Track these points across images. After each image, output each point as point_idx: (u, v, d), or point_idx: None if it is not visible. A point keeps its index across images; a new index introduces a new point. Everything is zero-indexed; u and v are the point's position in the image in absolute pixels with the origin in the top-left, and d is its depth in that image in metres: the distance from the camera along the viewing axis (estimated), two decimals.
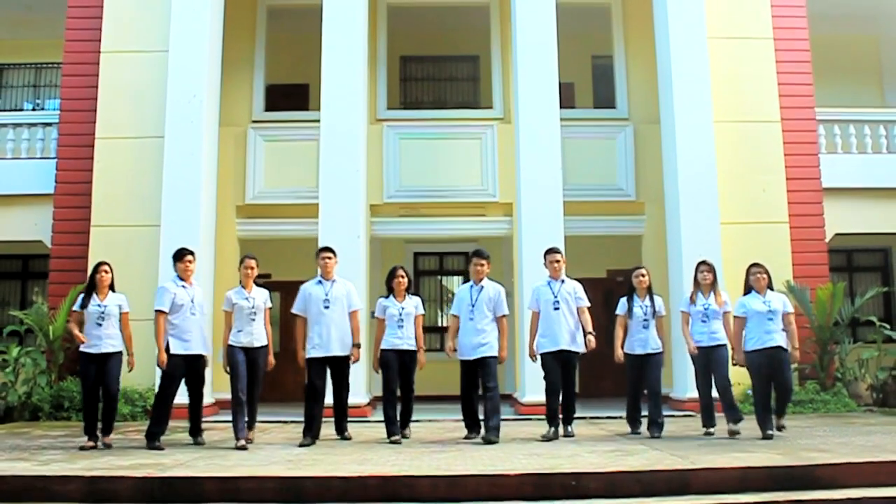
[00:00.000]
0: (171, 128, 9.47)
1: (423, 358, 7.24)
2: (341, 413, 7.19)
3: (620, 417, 8.37)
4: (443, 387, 9.00)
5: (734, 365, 6.98)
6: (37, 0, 11.81)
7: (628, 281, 7.40)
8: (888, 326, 10.24)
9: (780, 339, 6.70)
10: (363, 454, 6.09)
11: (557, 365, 7.02)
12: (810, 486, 5.02)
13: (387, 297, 7.21)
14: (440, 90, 12.92)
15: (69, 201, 9.87)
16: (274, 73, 11.50)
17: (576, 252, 8.81)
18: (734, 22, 10.34)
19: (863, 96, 12.41)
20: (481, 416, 6.91)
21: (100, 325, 6.51)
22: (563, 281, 7.18)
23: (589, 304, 7.18)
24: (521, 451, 6.10)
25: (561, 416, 7.09)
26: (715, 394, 7.02)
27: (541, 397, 7.50)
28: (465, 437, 7.02)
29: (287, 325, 11.17)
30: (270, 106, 11.17)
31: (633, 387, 7.25)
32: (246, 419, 6.62)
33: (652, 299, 7.18)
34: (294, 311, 7.02)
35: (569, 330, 7.00)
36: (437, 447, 6.52)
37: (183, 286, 6.78)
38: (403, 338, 7.08)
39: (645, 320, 7.12)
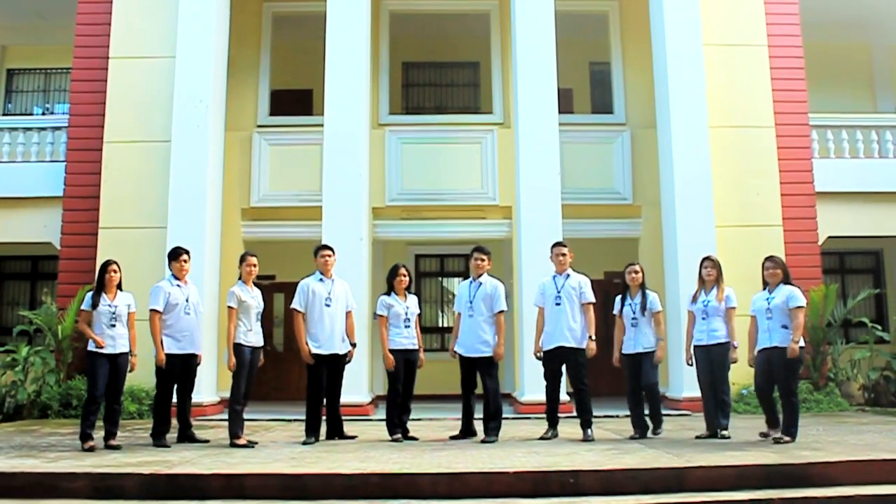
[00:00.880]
0: (178, 132, 9.57)
1: (423, 356, 7.26)
2: (336, 420, 7.09)
3: (617, 416, 8.46)
4: (443, 386, 9.10)
5: (750, 366, 6.69)
6: (49, 8, 11.97)
7: (623, 279, 7.23)
8: (880, 327, 10.37)
9: (776, 339, 6.36)
10: (365, 452, 6.13)
11: (556, 363, 6.96)
12: (804, 483, 5.07)
13: (388, 294, 7.18)
14: (441, 96, 13.06)
15: (77, 204, 9.98)
16: (279, 78, 11.60)
17: (574, 254, 8.96)
18: (729, 29, 10.44)
19: (855, 102, 12.52)
20: (479, 416, 6.91)
21: (113, 325, 6.48)
22: (567, 275, 7.03)
23: (594, 301, 6.99)
24: (520, 450, 6.14)
25: (578, 419, 6.94)
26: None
27: (540, 396, 7.51)
28: (451, 437, 7.00)
29: (291, 325, 11.35)
30: (275, 111, 11.28)
31: (631, 388, 7.00)
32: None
33: (644, 296, 6.96)
34: (295, 306, 6.95)
35: (569, 326, 6.84)
36: (438, 445, 6.57)
37: (178, 285, 6.81)
38: (410, 337, 7.08)
39: (634, 318, 6.95)
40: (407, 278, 7.23)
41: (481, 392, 6.94)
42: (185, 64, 9.72)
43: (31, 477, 5.15)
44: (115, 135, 9.97)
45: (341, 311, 7.05)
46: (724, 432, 6.64)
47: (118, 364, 6.53)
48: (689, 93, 9.80)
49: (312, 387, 6.90)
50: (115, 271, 6.63)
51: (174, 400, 6.82)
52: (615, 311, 7.19)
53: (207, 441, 6.84)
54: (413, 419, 7.44)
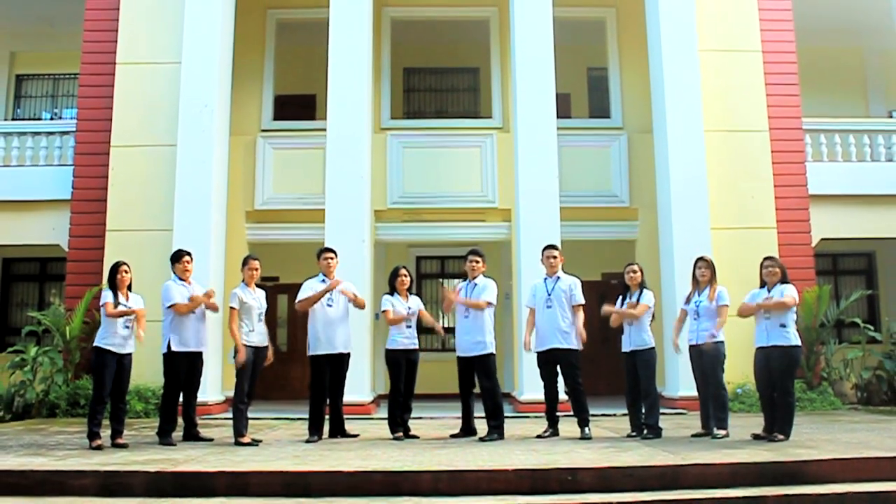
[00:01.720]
0: (184, 136, 9.67)
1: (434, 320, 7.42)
2: (338, 419, 7.17)
3: (615, 415, 8.54)
4: (444, 385, 9.16)
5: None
6: (57, 15, 12.09)
7: (623, 279, 7.23)
8: (872, 328, 10.50)
9: (774, 338, 6.39)
10: (368, 450, 6.19)
11: (550, 365, 7.04)
12: (798, 481, 5.13)
13: (391, 294, 7.26)
14: (441, 100, 13.19)
15: (85, 207, 10.08)
16: (282, 83, 11.71)
17: (572, 256, 8.99)
18: (724, 35, 10.55)
19: (847, 107, 12.64)
20: (479, 415, 6.99)
21: (128, 327, 6.54)
22: (558, 278, 7.10)
23: (584, 302, 7.05)
24: (519, 448, 6.21)
25: (575, 418, 7.00)
26: None
27: (538, 396, 7.60)
28: (452, 435, 7.07)
29: (294, 325, 11.52)
30: (279, 115, 11.39)
31: (629, 387, 6.97)
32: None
33: (640, 295, 6.94)
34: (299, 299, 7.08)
35: (560, 329, 6.92)
36: (439, 443, 6.65)
37: (183, 286, 6.93)
38: (411, 337, 7.18)
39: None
40: (408, 279, 7.33)
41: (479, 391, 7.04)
42: (191, 69, 9.84)
43: (40, 475, 5.21)
44: (122, 139, 10.08)
45: (343, 311, 7.18)
46: (720, 431, 6.63)
47: (123, 364, 6.58)
48: (684, 97, 9.91)
49: (315, 386, 6.99)
50: (126, 272, 6.68)
51: (180, 399, 6.94)
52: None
53: (212, 439, 6.92)
54: (414, 418, 7.49)
